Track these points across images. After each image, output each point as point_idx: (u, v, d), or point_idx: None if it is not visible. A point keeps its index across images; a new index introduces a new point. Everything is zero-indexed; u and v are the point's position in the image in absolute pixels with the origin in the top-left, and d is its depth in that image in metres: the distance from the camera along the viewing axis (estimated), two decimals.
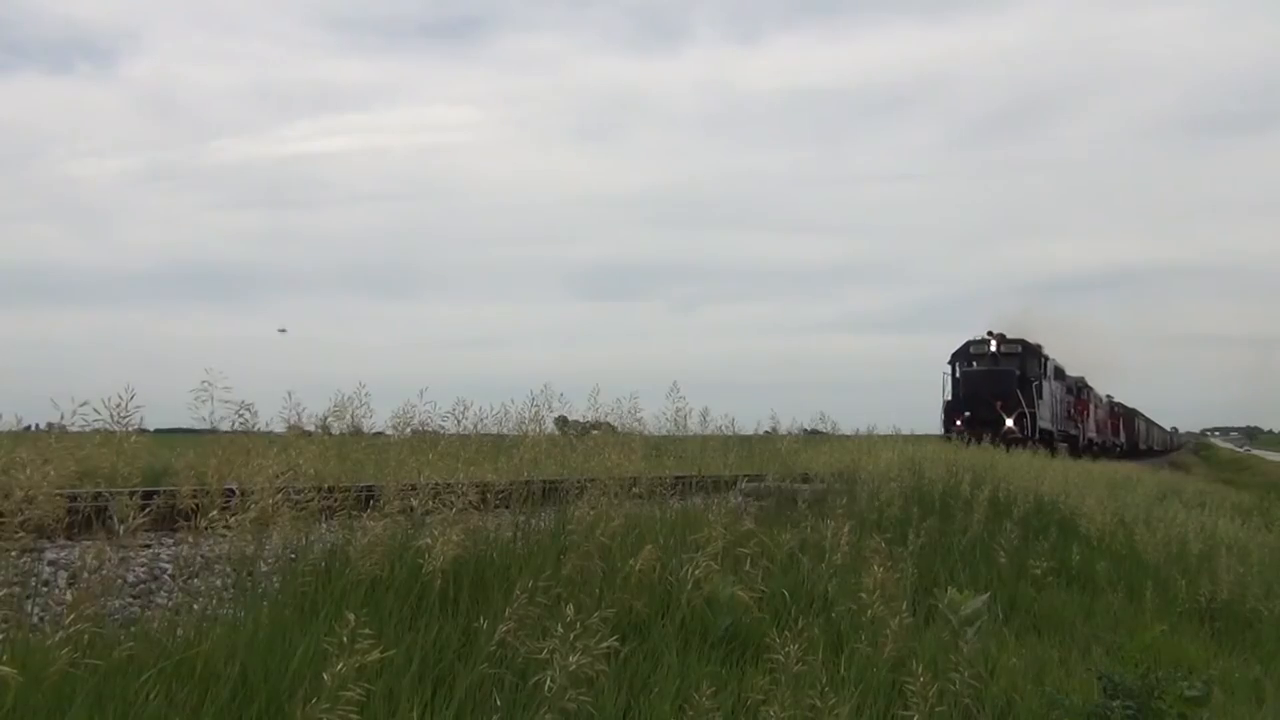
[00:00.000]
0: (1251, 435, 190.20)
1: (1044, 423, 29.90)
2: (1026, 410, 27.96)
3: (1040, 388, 30.11)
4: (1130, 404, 59.87)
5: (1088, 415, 40.82)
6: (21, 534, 3.56)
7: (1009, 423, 27.30)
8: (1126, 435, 55.51)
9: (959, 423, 27.16)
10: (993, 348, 30.15)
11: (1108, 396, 50.03)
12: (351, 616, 3.20)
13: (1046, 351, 32.95)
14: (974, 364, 30.05)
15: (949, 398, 29.40)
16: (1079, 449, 33.95)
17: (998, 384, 28.49)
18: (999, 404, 27.78)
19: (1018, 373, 29.15)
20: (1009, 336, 30.84)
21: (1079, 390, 39.76)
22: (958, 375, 29.95)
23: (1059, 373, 35.34)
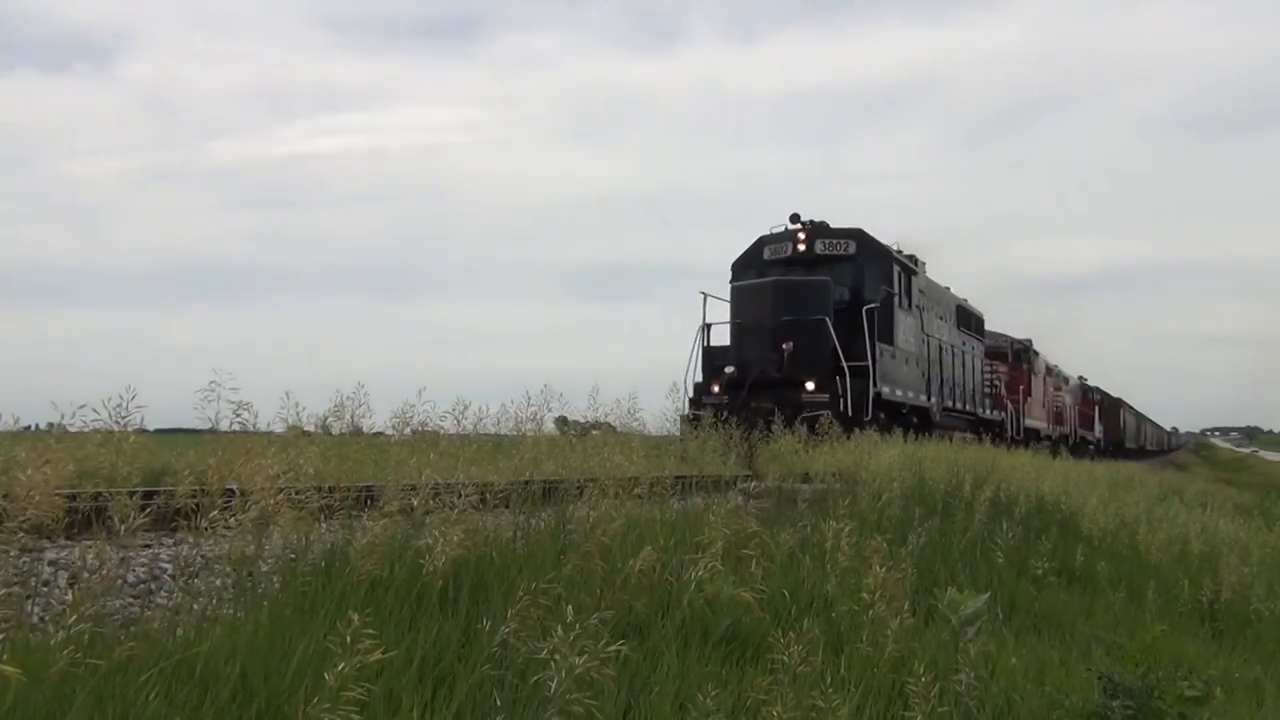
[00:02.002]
0: (1251, 435, 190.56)
1: (902, 391, 16.30)
2: (845, 364, 14.17)
3: (891, 322, 15.97)
4: (1123, 397, 53.77)
5: (1027, 394, 28.63)
6: (21, 534, 3.56)
7: (809, 386, 14.13)
8: (1107, 430, 46.78)
9: (716, 389, 14.87)
10: (800, 246, 16.22)
11: (1080, 378, 41.46)
12: (355, 616, 3.20)
13: (930, 274, 18.98)
14: (763, 274, 15.95)
15: (706, 343, 15.63)
16: (1002, 442, 20.18)
17: (793, 307, 14.81)
18: (788, 347, 14.35)
19: (843, 293, 15.52)
20: (837, 226, 16.54)
21: (1016, 356, 27.75)
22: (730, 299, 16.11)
23: (968, 318, 21.91)
